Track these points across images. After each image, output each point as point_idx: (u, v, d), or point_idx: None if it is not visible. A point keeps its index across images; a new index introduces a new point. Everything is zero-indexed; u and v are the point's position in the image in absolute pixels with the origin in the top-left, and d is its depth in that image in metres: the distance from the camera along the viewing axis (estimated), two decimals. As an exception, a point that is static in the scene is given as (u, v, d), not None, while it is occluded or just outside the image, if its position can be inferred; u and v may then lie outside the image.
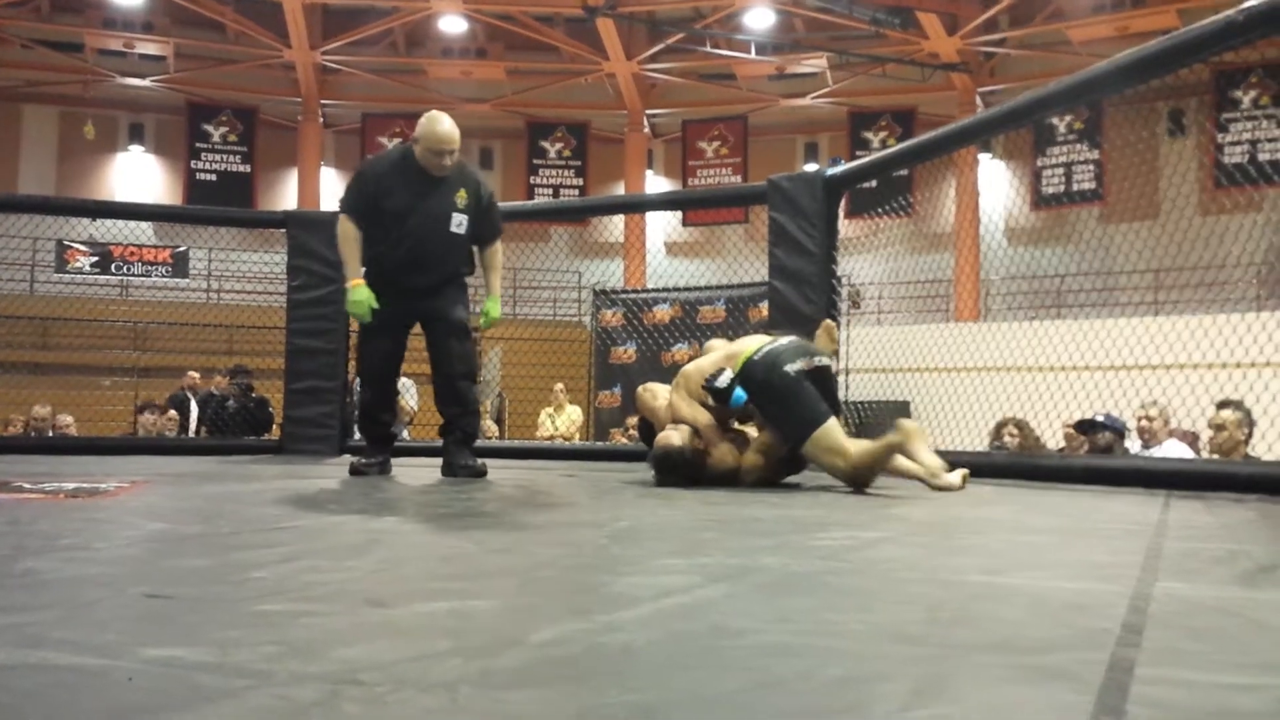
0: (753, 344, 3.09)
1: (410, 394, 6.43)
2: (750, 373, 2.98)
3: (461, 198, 3.43)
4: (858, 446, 2.85)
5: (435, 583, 1.23)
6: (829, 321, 3.46)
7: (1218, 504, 2.43)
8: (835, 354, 3.37)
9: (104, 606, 1.01)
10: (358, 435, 6.08)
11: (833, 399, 3.04)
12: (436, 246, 3.41)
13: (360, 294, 3.36)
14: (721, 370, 3.01)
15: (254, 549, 1.51)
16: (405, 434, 6.34)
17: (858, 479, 2.81)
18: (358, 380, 3.92)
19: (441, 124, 3.35)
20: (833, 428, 2.89)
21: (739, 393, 2.98)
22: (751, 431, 3.15)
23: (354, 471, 3.41)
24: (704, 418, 3.05)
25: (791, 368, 2.94)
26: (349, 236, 3.40)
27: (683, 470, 2.96)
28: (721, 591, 1.14)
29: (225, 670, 0.74)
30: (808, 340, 3.20)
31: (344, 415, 5.12)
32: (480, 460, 3.43)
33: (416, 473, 3.62)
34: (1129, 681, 0.74)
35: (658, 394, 3.30)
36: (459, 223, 3.42)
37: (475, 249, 3.57)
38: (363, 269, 3.43)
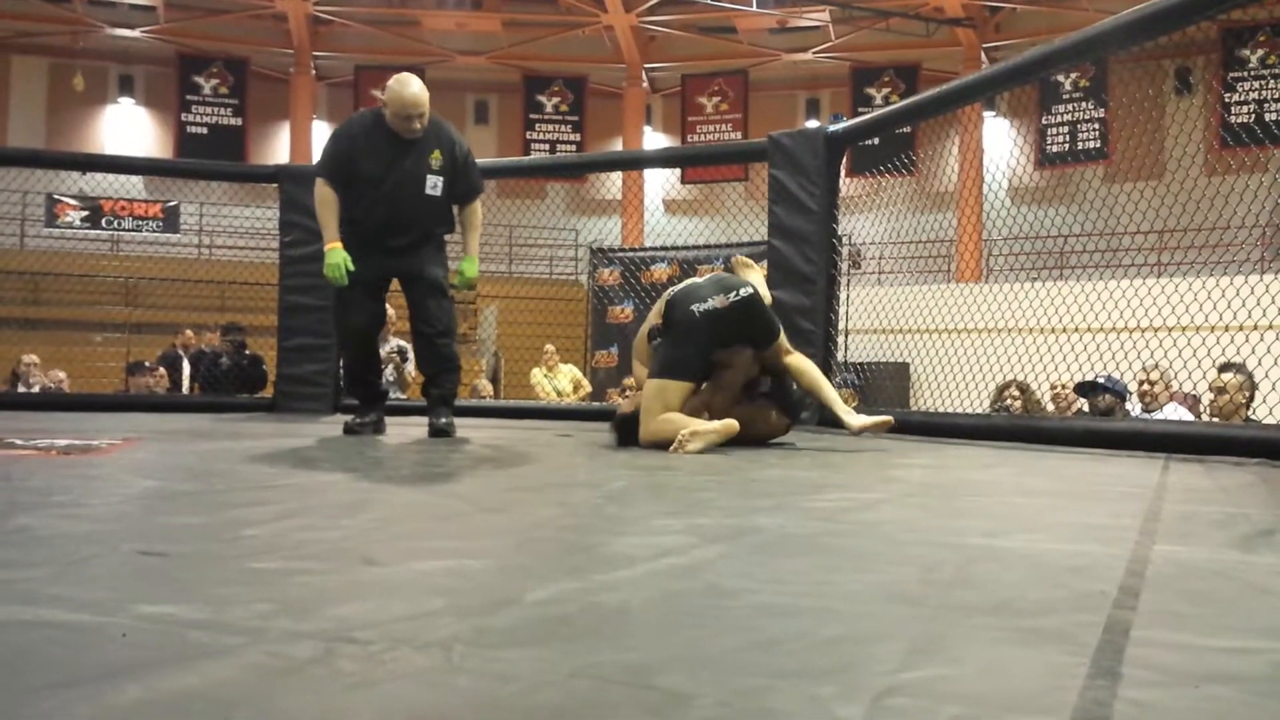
0: (678, 286, 3.12)
1: (410, 362, 6.40)
2: (667, 314, 3.02)
3: (436, 159, 3.41)
4: (658, 421, 2.85)
5: (430, 541, 1.23)
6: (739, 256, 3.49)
7: (1217, 468, 2.44)
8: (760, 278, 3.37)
9: (97, 563, 1.01)
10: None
11: (761, 328, 3.03)
12: (411, 209, 3.40)
13: (336, 256, 3.34)
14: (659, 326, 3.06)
15: (247, 507, 1.51)
16: (402, 395, 6.34)
17: (643, 439, 2.90)
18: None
19: (408, 87, 3.31)
20: (664, 389, 2.90)
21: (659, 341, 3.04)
22: None
23: (348, 431, 3.42)
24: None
25: (699, 307, 2.94)
26: (326, 200, 3.39)
27: (635, 433, 3.00)
28: (718, 552, 1.14)
29: (219, 627, 0.74)
30: (732, 275, 3.20)
31: (337, 373, 5.11)
32: (452, 419, 3.44)
33: (412, 431, 3.62)
34: (1124, 644, 0.74)
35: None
36: (433, 185, 3.41)
37: (455, 207, 3.55)
38: (340, 230, 3.42)
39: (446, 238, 3.61)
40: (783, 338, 3.15)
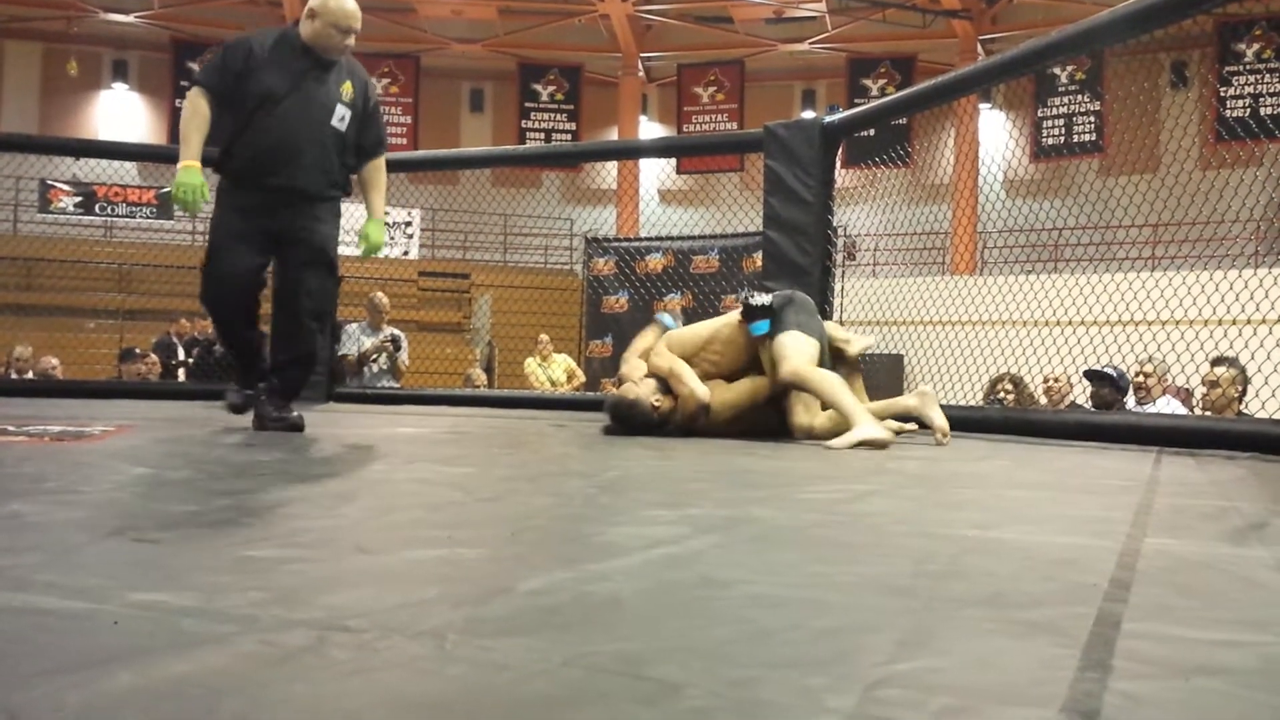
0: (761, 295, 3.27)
1: (403, 350, 6.39)
2: (782, 303, 3.10)
3: (348, 90, 2.97)
4: (821, 374, 2.92)
5: (424, 530, 1.23)
6: None
7: (1209, 461, 2.45)
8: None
9: (89, 550, 1.01)
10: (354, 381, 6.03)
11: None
12: (312, 139, 2.92)
13: (192, 176, 2.81)
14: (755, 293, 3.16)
15: (240, 494, 1.51)
16: (395, 384, 6.33)
17: (785, 382, 2.94)
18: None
19: None
20: (805, 342, 2.98)
21: (763, 324, 3.05)
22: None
23: (231, 409, 3.03)
24: (680, 364, 3.07)
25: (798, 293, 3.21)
26: (198, 113, 2.89)
27: (632, 422, 3.00)
28: (710, 542, 1.14)
29: (211, 615, 0.73)
30: None
31: (332, 360, 5.09)
32: (299, 414, 2.92)
33: (406, 420, 3.62)
34: (1115, 636, 0.74)
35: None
36: (341, 117, 2.95)
37: (357, 166, 3.09)
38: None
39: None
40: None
